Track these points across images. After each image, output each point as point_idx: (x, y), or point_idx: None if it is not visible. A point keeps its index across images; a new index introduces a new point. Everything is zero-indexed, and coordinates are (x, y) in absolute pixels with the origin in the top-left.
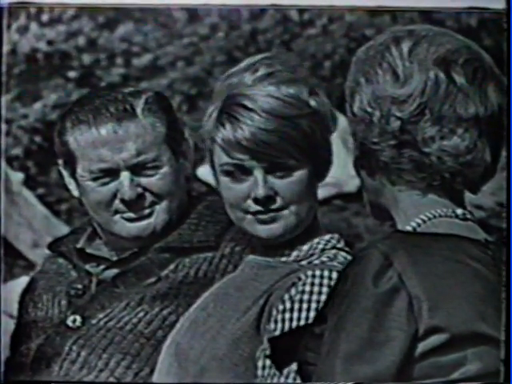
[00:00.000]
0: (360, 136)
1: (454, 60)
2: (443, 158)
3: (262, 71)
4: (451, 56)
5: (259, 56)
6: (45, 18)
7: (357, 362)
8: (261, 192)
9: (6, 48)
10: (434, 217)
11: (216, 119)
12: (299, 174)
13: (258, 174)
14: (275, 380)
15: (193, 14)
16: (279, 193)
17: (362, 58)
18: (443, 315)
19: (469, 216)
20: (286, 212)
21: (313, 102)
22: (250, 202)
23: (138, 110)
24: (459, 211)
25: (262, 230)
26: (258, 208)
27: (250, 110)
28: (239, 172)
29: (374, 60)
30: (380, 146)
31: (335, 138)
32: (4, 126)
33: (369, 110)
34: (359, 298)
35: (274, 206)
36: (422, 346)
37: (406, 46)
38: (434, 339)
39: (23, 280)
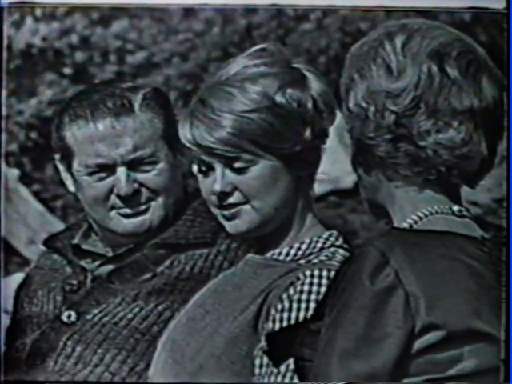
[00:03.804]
0: (356, 132)
1: (447, 53)
2: (439, 151)
3: (237, 66)
4: (444, 49)
5: (253, 49)
6: (38, 13)
7: (353, 359)
8: (217, 187)
9: (4, 46)
10: (431, 214)
11: (183, 117)
12: (258, 169)
13: (217, 169)
14: (272, 378)
15: (187, 9)
16: (238, 187)
17: (356, 55)
18: (440, 312)
19: (465, 213)
20: (247, 207)
21: (279, 97)
22: (213, 196)
23: (136, 106)
24: (455, 208)
25: (229, 226)
26: (218, 203)
27: (208, 106)
28: (205, 167)
29: (368, 56)
30: (376, 140)
31: (330, 134)
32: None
33: (364, 105)
34: (356, 295)
35: (231, 201)
36: (418, 343)
37: (399, 41)
38: (431, 336)
39: (18, 276)
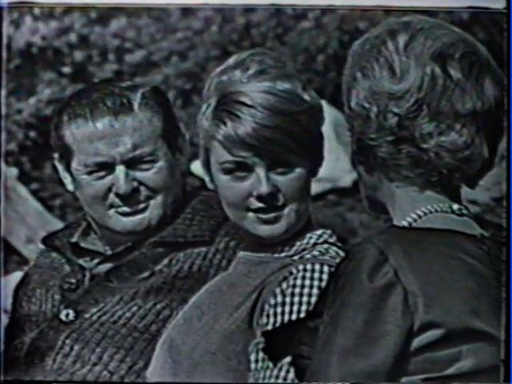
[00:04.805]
0: (357, 131)
1: (451, 54)
2: (441, 154)
3: (254, 68)
4: (447, 50)
5: (246, 52)
6: (37, 12)
7: (352, 357)
8: (264, 189)
9: (4, 46)
10: (430, 212)
11: (214, 117)
12: (299, 170)
13: (260, 170)
14: (268, 373)
15: (186, 8)
16: (281, 189)
17: (358, 52)
18: (438, 311)
19: (465, 211)
20: (286, 210)
21: (307, 97)
22: (252, 199)
23: (135, 105)
24: (455, 206)
25: (263, 230)
26: (261, 205)
27: (250, 106)
28: (240, 170)
29: (371, 54)
30: (377, 141)
31: (329, 133)
32: None
33: (366, 105)
34: (355, 293)
35: (276, 203)
36: (417, 341)
37: (402, 40)
38: (429, 334)
39: (17, 275)
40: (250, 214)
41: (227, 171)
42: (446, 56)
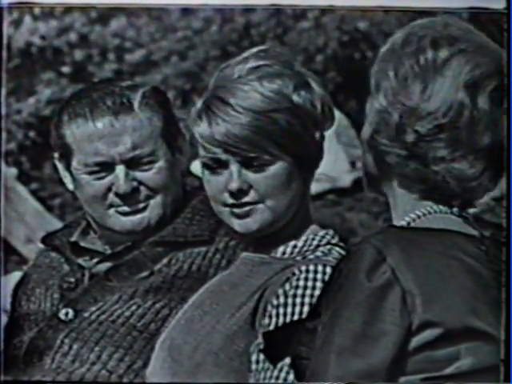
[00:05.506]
0: (373, 127)
1: (485, 86)
2: (447, 179)
3: (249, 64)
4: (482, 81)
5: (255, 49)
6: (37, 12)
7: (350, 356)
8: (234, 185)
9: (4, 46)
10: (429, 213)
11: (196, 113)
12: (275, 169)
13: (233, 167)
14: (269, 373)
15: (186, 7)
16: (253, 186)
17: (397, 51)
18: (437, 310)
19: (464, 214)
20: (260, 206)
21: (296, 97)
22: (226, 194)
23: (135, 104)
24: (455, 208)
25: (238, 225)
26: (233, 201)
27: (227, 104)
28: (216, 165)
29: (409, 60)
30: (389, 149)
31: (328, 133)
32: None
33: (389, 109)
34: (353, 293)
35: (247, 199)
36: (415, 341)
37: (442, 55)
38: (428, 334)
39: (16, 275)
40: (227, 209)
41: (206, 166)
42: (479, 87)
